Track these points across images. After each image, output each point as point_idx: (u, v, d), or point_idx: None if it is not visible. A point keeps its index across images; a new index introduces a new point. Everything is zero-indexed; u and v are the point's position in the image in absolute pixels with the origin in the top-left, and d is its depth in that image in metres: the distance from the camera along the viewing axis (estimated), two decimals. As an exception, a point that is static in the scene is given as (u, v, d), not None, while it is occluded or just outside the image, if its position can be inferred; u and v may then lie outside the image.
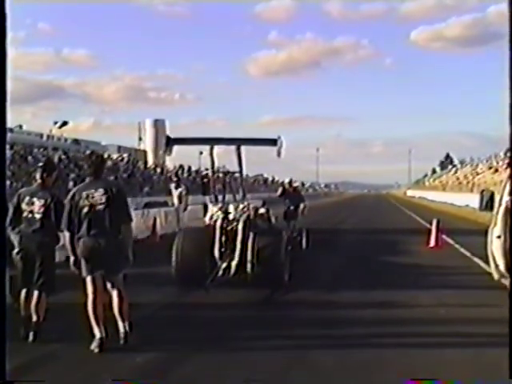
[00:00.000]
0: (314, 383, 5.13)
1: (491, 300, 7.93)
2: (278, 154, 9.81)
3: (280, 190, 15.61)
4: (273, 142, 9.91)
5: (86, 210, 5.94)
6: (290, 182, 15.66)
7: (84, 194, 5.99)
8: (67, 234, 6.07)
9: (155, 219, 18.75)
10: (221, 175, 11.23)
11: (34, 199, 6.36)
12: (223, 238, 9.22)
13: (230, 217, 9.48)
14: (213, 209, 9.75)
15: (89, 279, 6.05)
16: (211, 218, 9.64)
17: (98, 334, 5.89)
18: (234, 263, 8.96)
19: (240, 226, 9.19)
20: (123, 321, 6.12)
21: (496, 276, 7.87)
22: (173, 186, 19.54)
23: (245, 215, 9.42)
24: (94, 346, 5.80)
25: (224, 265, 9.00)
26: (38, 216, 6.32)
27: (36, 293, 6.32)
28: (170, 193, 20.07)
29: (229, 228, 9.31)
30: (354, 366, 5.55)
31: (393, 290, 9.54)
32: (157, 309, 8.11)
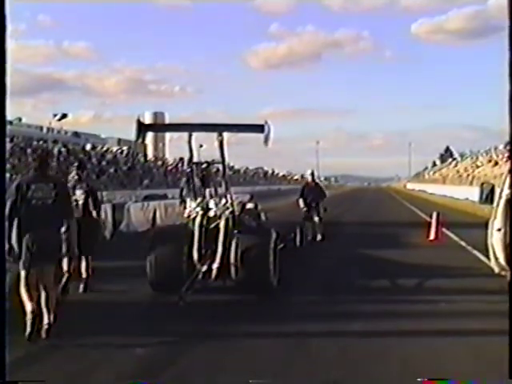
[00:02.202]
0: (315, 375, 5.13)
1: (491, 294, 7.94)
2: (266, 141, 8.36)
3: (302, 203, 14.38)
4: (259, 128, 8.43)
5: (34, 202, 6.15)
6: (312, 174, 14.50)
7: (33, 187, 6.19)
8: (7, 223, 5.94)
9: (155, 212, 18.75)
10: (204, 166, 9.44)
11: (76, 191, 8.34)
12: (203, 238, 8.21)
13: (211, 213, 8.51)
14: (191, 204, 8.75)
15: (24, 273, 6.04)
16: (189, 215, 8.68)
17: (29, 307, 5.88)
18: (215, 266, 7.99)
19: (222, 224, 8.22)
20: (48, 313, 6.00)
21: (496, 269, 7.85)
22: (184, 180, 19.50)
23: (228, 211, 8.44)
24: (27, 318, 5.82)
25: (204, 268, 7.98)
26: (80, 202, 8.36)
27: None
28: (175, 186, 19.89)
29: (209, 226, 8.35)
30: (354, 358, 5.55)
31: (393, 283, 9.56)
32: (155, 300, 8.12)
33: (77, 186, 8.41)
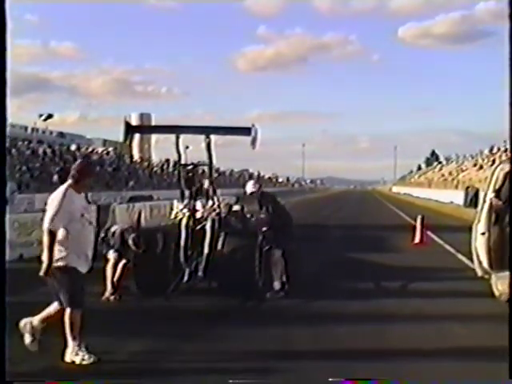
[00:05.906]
0: (300, 376, 5.14)
1: (475, 297, 8.01)
2: (253, 144, 8.37)
3: None
4: (246, 130, 8.48)
5: None
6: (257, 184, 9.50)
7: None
8: None
9: (140, 213, 18.62)
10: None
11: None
12: (189, 239, 8.21)
13: (198, 215, 8.50)
14: (178, 206, 8.72)
15: None
16: (176, 216, 8.66)
17: None
18: (201, 268, 8.00)
19: (208, 226, 8.24)
20: None
21: (479, 272, 7.91)
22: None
23: (214, 213, 8.45)
24: None
25: (190, 270, 8.02)
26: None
27: None
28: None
29: (196, 228, 8.35)
30: (340, 362, 5.55)
31: (377, 287, 9.59)
32: (141, 302, 8.07)
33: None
